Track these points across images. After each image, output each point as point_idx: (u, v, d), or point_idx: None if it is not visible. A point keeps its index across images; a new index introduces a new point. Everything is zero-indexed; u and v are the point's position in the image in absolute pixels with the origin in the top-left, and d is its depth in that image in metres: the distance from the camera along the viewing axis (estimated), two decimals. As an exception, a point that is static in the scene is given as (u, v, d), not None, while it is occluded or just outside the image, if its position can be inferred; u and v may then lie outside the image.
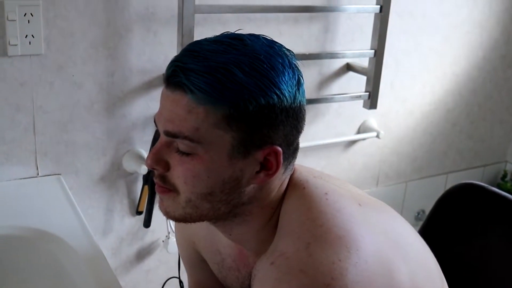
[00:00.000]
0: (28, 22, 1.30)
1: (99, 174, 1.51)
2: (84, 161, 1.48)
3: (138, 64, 1.47)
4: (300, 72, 0.80)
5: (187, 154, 0.77)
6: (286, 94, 0.76)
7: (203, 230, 0.99)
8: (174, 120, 0.76)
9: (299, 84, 0.79)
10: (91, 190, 1.51)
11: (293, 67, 0.79)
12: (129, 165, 1.52)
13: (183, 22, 1.39)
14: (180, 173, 0.78)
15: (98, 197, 1.53)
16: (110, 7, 1.39)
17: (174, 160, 0.78)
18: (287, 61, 0.78)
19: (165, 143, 0.78)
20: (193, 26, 1.40)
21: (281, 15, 1.63)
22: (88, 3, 1.36)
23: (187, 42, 1.38)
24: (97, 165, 1.50)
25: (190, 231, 1.02)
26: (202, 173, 0.77)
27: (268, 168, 0.79)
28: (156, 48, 1.47)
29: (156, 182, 0.81)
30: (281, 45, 0.81)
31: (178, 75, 0.75)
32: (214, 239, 0.98)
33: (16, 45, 1.29)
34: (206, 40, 0.79)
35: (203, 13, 1.44)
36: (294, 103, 0.78)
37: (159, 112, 0.79)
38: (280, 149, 0.78)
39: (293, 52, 0.81)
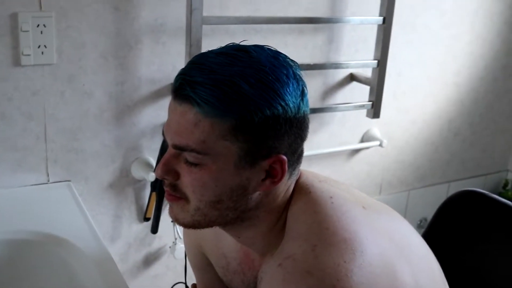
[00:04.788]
0: (41, 33, 1.33)
1: (108, 181, 1.54)
2: (94, 168, 1.51)
3: (147, 74, 1.50)
4: (304, 82, 0.82)
5: (195, 164, 0.78)
6: (291, 105, 0.78)
7: (210, 233, 1.01)
8: (182, 133, 0.78)
9: (303, 94, 0.80)
10: (100, 196, 1.54)
11: (297, 78, 0.80)
12: (137, 172, 1.55)
13: (191, 33, 1.42)
14: (188, 183, 0.80)
15: (106, 204, 1.56)
16: (120, 18, 1.42)
17: (183, 170, 0.80)
18: (291, 72, 0.80)
19: (174, 154, 0.80)
20: (201, 37, 1.43)
21: (286, 26, 1.66)
22: (98, 15, 1.40)
23: (195, 52, 1.41)
24: (106, 172, 1.53)
25: (198, 235, 1.04)
26: (210, 183, 0.79)
27: (273, 175, 0.81)
28: (164, 58, 1.51)
29: (166, 191, 0.83)
30: (286, 56, 0.82)
31: (185, 88, 0.76)
32: (220, 243, 1.00)
33: (29, 55, 1.33)
34: (211, 52, 0.80)
35: (210, 24, 1.48)
36: (298, 113, 0.79)
37: (167, 125, 0.81)
38: (285, 157, 0.80)
39: (297, 63, 0.83)
